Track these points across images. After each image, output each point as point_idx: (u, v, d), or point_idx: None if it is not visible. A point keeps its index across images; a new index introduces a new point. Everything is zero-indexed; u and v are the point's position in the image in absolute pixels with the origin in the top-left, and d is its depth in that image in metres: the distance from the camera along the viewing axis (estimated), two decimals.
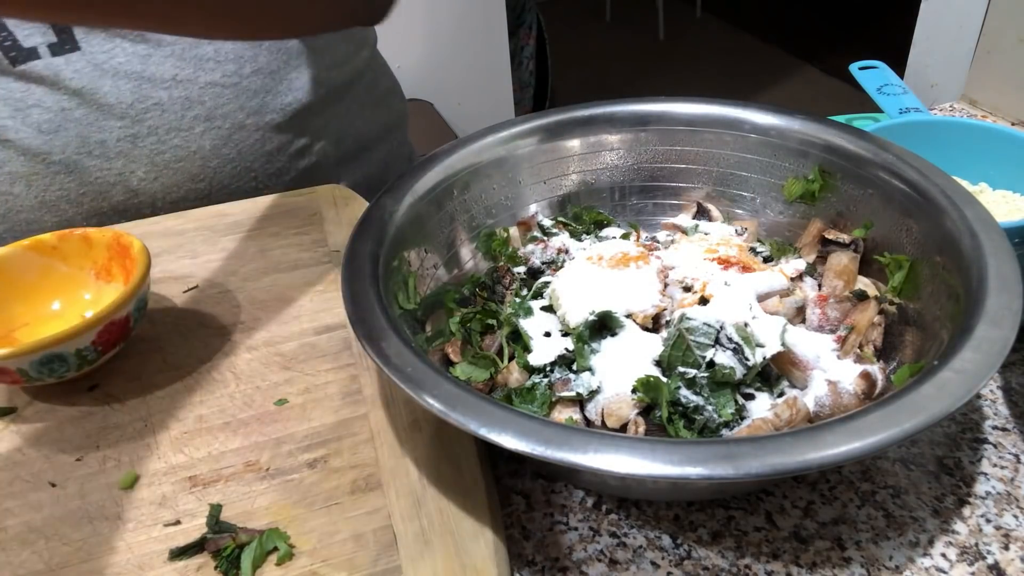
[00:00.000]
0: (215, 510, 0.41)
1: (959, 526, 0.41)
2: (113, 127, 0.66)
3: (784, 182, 0.55)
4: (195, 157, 0.69)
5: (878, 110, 0.67)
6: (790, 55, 3.29)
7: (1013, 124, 0.80)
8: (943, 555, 0.40)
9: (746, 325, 0.43)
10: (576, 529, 0.42)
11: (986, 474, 0.44)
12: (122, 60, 0.65)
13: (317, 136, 0.76)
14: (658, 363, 0.43)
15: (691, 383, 0.41)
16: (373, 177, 0.83)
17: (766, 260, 0.53)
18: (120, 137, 0.66)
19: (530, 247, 0.56)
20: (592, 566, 0.40)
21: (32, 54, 0.63)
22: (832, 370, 0.44)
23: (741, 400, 0.42)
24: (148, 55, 0.66)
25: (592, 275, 0.48)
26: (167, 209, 0.70)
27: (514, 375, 0.45)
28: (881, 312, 0.47)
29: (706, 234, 0.55)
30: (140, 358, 0.53)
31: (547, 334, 0.47)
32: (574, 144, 0.58)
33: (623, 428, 0.41)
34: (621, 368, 0.43)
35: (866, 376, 0.42)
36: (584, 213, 0.58)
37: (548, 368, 0.44)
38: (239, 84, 0.69)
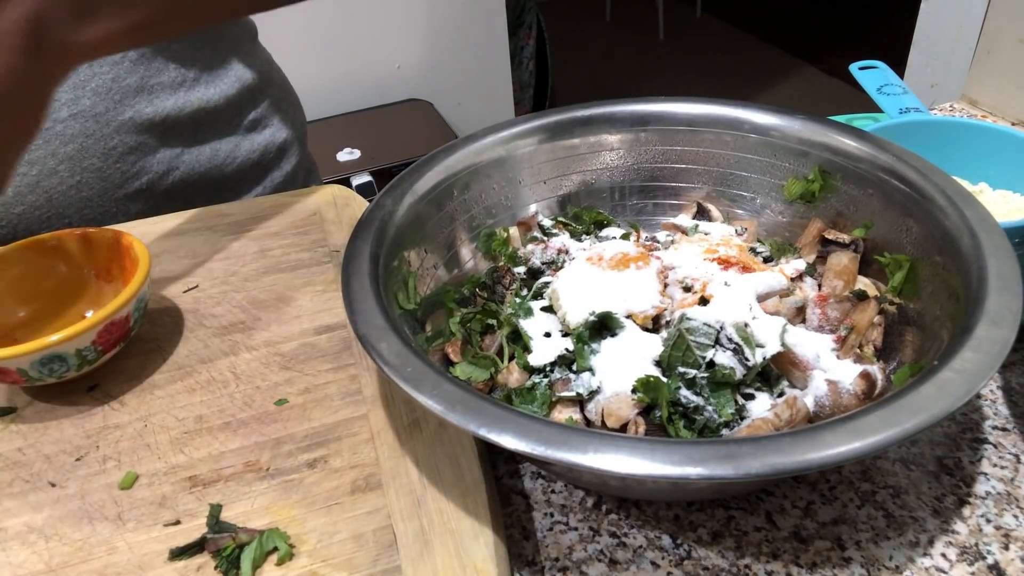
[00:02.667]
0: (215, 510, 0.41)
1: (959, 526, 0.41)
2: None
3: (784, 182, 0.55)
4: None
5: (878, 110, 0.67)
6: (790, 55, 3.29)
7: (1013, 124, 0.80)
8: (943, 555, 0.40)
9: (746, 325, 0.43)
10: (576, 529, 0.42)
11: (986, 474, 0.44)
12: None
13: (158, 179, 0.71)
14: (658, 363, 0.43)
15: (691, 383, 0.41)
16: None
17: (766, 260, 0.53)
18: None
19: (530, 247, 0.56)
20: (592, 566, 0.40)
21: None
22: (832, 370, 0.44)
23: (741, 400, 0.42)
24: None
25: (592, 275, 0.48)
26: None
27: (514, 375, 0.45)
28: (881, 312, 0.47)
29: (706, 234, 0.55)
30: (140, 358, 0.53)
31: (547, 334, 0.47)
32: (574, 144, 0.58)
33: (623, 428, 0.41)
34: (621, 368, 0.43)
35: (866, 376, 0.42)
36: (584, 213, 0.58)
37: (548, 368, 0.44)
38: (51, 129, 0.64)
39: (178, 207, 0.72)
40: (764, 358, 0.42)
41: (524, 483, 0.45)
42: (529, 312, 0.48)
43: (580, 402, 0.43)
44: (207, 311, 0.57)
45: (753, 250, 0.54)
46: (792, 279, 0.49)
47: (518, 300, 0.50)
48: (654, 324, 0.46)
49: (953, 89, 1.60)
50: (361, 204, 0.68)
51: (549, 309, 0.49)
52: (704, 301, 0.46)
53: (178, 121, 0.71)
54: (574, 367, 0.44)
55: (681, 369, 0.42)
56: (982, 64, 0.82)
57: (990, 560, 0.39)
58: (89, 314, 0.55)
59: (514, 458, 0.47)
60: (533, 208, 0.58)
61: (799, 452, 0.31)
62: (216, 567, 0.38)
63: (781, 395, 0.43)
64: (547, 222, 0.57)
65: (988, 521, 0.41)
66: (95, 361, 0.49)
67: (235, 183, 0.78)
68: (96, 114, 0.66)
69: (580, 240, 0.56)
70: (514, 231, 0.57)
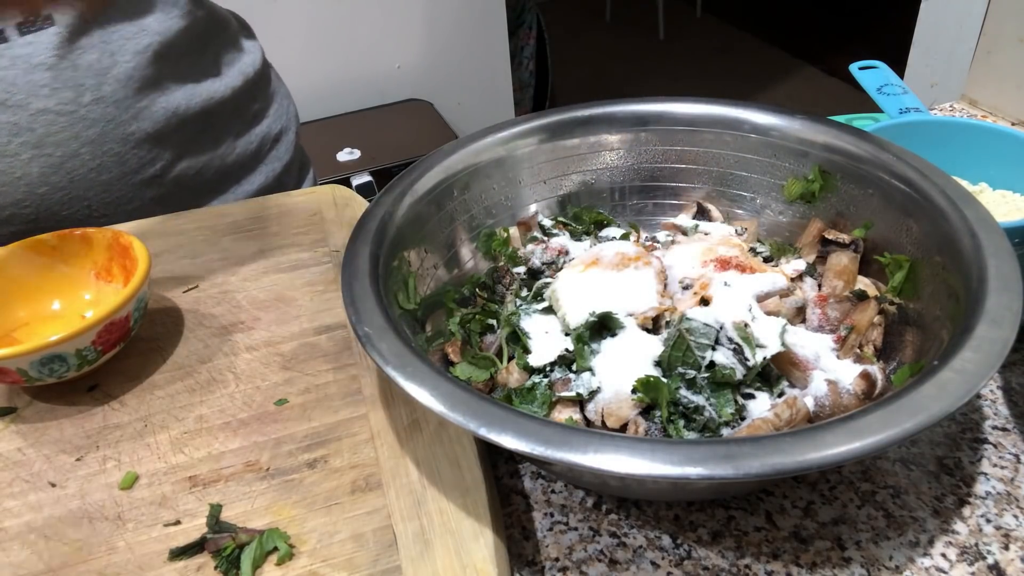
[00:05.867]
0: (215, 510, 0.41)
1: (959, 526, 0.41)
2: None
3: (784, 182, 0.55)
4: (19, 183, 0.66)
5: (878, 110, 0.67)
6: (790, 55, 3.29)
7: (1013, 124, 0.80)
8: (943, 555, 0.40)
9: (746, 325, 0.43)
10: (576, 529, 0.42)
11: (986, 474, 0.44)
12: None
13: (169, 166, 0.73)
14: (658, 363, 0.43)
15: (691, 383, 0.41)
16: None
17: (766, 260, 0.53)
18: None
19: (530, 247, 0.56)
20: (592, 566, 0.40)
21: None
22: (832, 370, 0.44)
23: (741, 400, 0.42)
24: None
25: (592, 276, 0.48)
26: None
27: (514, 375, 0.45)
28: (881, 312, 0.47)
29: (706, 234, 0.55)
30: (140, 358, 0.53)
31: (547, 334, 0.47)
32: (574, 144, 0.58)
33: (623, 428, 0.41)
34: (621, 368, 0.43)
35: (866, 376, 0.42)
36: (584, 213, 0.58)
37: (548, 368, 0.44)
38: (75, 112, 0.67)
39: (187, 195, 0.76)
40: (764, 358, 0.42)
41: (524, 483, 0.45)
42: (529, 312, 0.48)
43: (580, 402, 0.43)
44: (207, 311, 0.57)
45: (753, 250, 0.54)
46: (792, 279, 0.49)
47: (518, 300, 0.50)
48: (654, 324, 0.46)
49: (953, 89, 1.59)
50: (361, 204, 0.68)
51: (549, 309, 0.49)
52: (704, 301, 0.46)
53: (188, 111, 0.74)
54: (574, 367, 0.44)
55: (681, 369, 0.42)
56: (982, 64, 0.82)
57: (990, 560, 0.39)
58: (89, 314, 0.55)
59: (514, 458, 0.47)
60: (533, 208, 0.58)
61: (799, 452, 0.31)
62: (216, 567, 0.38)
63: (781, 395, 0.43)
64: (547, 222, 0.57)
65: (988, 521, 0.41)
66: (95, 361, 0.49)
67: (236, 171, 0.81)
68: (116, 100, 0.68)
69: (580, 240, 0.56)
70: (514, 231, 0.57)
